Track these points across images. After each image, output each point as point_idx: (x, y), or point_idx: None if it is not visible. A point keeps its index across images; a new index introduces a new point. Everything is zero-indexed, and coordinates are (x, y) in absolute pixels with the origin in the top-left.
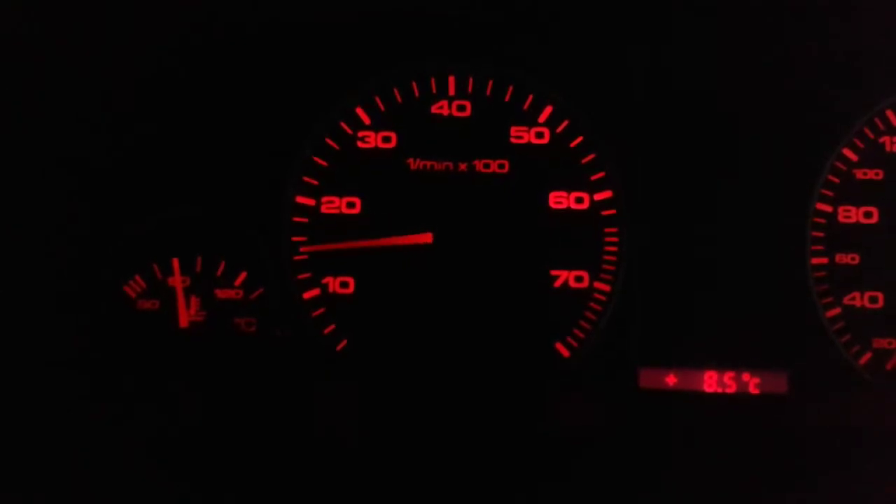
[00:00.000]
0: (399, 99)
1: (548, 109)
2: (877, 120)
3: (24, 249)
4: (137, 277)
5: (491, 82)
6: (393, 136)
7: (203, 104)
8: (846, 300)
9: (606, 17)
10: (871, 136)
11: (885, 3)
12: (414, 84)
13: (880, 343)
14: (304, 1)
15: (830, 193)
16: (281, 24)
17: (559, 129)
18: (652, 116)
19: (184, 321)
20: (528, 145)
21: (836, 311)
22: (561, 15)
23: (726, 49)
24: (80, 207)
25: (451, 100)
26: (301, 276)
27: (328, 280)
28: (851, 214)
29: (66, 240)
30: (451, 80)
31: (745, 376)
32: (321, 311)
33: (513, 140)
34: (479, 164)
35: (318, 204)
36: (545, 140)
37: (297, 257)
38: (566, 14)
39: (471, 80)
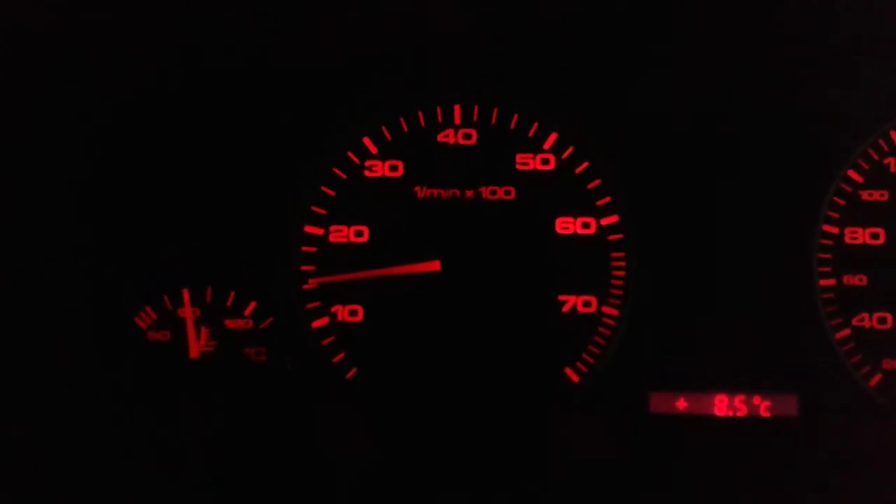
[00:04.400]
0: (405, 128)
1: (553, 136)
2: (881, 141)
3: (35, 282)
4: (148, 309)
5: (496, 110)
6: (400, 164)
7: (212, 136)
8: (855, 321)
9: (608, 44)
10: (876, 157)
11: (889, 24)
12: (420, 113)
13: (890, 364)
14: (310, 45)
15: (836, 215)
16: (288, 65)
17: (565, 155)
18: (657, 141)
19: (194, 352)
20: (534, 172)
21: (846, 332)
22: (562, 42)
23: (729, 75)
24: (91, 244)
25: (456, 128)
26: (310, 305)
27: (337, 308)
28: (858, 236)
29: (77, 274)
30: (457, 108)
31: (756, 399)
32: (330, 339)
33: (518, 167)
34: (485, 191)
35: (327, 233)
36: (551, 166)
37: (305, 286)
38: (567, 41)
39: (476, 108)
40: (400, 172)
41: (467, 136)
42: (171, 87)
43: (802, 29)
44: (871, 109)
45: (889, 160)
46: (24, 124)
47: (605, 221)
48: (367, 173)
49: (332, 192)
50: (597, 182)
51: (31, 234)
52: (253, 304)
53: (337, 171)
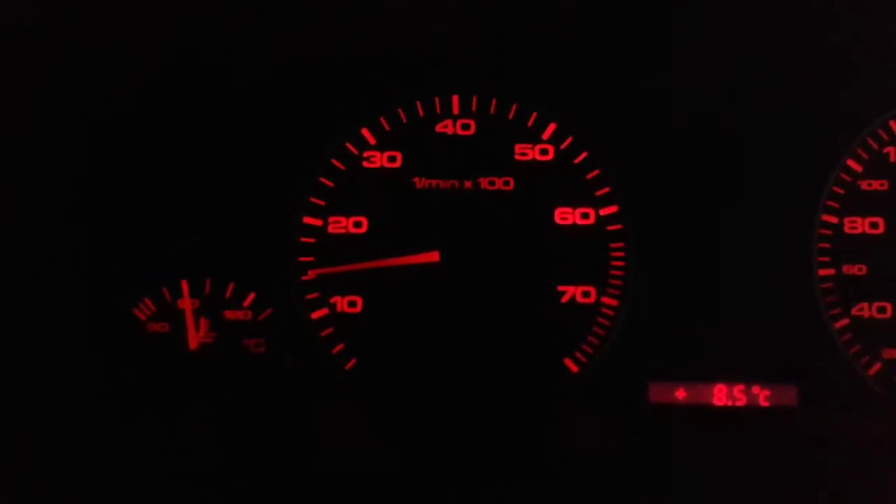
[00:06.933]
0: (403, 119)
1: (552, 126)
2: (880, 131)
3: (35, 276)
4: (147, 300)
5: (494, 101)
6: (398, 155)
7: (210, 129)
8: (854, 311)
9: (609, 38)
10: (876, 146)
11: (886, 17)
12: (418, 104)
13: (890, 353)
14: (310, 45)
15: (836, 205)
16: (288, 64)
17: (563, 146)
18: (656, 132)
19: (193, 343)
20: (533, 162)
21: (845, 322)
22: (563, 40)
23: (728, 64)
24: (90, 236)
25: (455, 119)
26: (309, 297)
27: (336, 300)
28: (857, 225)
29: (76, 266)
30: (455, 99)
31: (755, 389)
32: (330, 330)
33: (517, 157)
34: (484, 182)
35: (326, 224)
36: (549, 157)
37: (304, 277)
38: (568, 39)
39: (474, 98)
40: (398, 163)
41: (466, 127)
42: (172, 87)
43: (802, 29)
44: (870, 100)
45: (888, 149)
46: (24, 124)
47: (603, 212)
48: (365, 164)
49: (330, 184)
50: (595, 172)
51: (32, 228)
52: (252, 296)
53: (335, 162)
